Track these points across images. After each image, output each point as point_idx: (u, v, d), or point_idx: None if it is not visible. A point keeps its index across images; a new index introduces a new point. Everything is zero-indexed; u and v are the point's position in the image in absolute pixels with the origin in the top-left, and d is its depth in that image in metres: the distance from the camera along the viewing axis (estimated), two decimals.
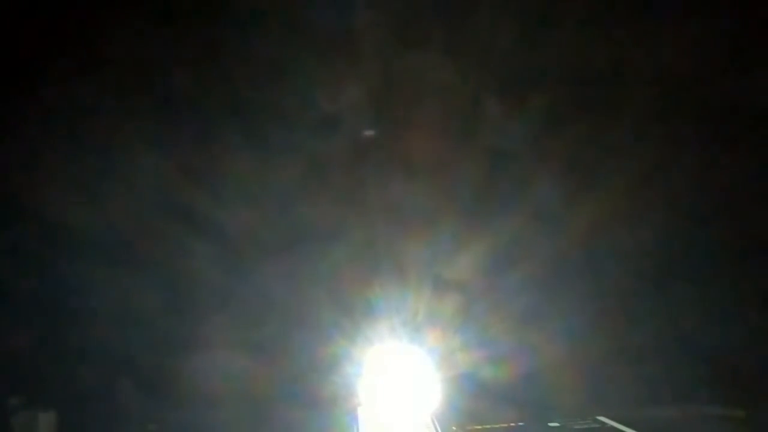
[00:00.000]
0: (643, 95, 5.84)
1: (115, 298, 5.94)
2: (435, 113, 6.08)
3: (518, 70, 5.90)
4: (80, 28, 5.63)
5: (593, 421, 5.85)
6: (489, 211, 6.02)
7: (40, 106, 5.70)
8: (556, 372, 5.95)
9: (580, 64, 5.79)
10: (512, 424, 5.89)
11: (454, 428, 5.76)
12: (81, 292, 5.85)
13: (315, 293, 5.99)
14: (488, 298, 6.08)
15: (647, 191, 6.07)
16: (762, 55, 5.56)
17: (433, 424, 5.60)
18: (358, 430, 5.58)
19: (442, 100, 6.03)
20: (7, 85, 5.65)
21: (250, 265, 6.01)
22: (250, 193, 6.01)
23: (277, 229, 6.02)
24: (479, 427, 5.85)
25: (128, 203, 5.90)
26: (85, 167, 5.81)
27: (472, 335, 6.02)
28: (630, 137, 5.99)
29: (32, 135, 5.76)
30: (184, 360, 5.85)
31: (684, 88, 5.72)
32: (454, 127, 6.09)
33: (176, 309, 6.00)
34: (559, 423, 5.85)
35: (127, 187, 5.89)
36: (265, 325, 5.92)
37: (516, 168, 6.03)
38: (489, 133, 6.06)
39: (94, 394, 5.83)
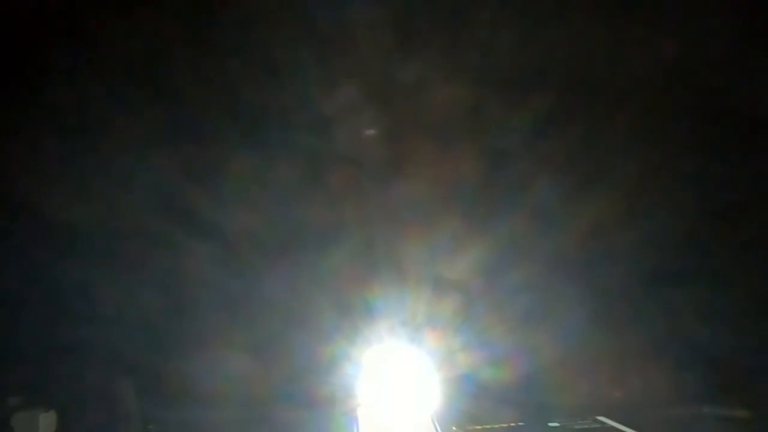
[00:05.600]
0: (643, 95, 5.82)
1: (115, 298, 5.94)
2: (435, 113, 6.07)
3: (518, 69, 5.88)
4: (79, 27, 5.63)
5: (593, 421, 5.84)
6: (489, 211, 6.01)
7: (38, 105, 5.71)
8: (556, 372, 5.94)
9: (579, 64, 5.77)
10: (512, 424, 5.89)
11: (454, 428, 5.76)
12: (81, 292, 5.86)
13: (314, 293, 5.99)
14: (488, 299, 6.07)
15: (648, 191, 6.05)
16: (762, 55, 5.54)
17: (433, 424, 5.60)
18: (357, 430, 5.57)
19: (442, 99, 6.01)
20: (6, 85, 5.66)
21: (249, 265, 6.01)
22: (249, 192, 6.01)
23: (277, 229, 6.02)
24: (479, 427, 5.85)
25: (128, 203, 5.90)
26: (85, 167, 5.82)
27: (472, 336, 6.02)
28: (630, 137, 5.97)
29: (30, 134, 5.77)
30: (184, 360, 5.86)
31: (684, 87, 5.70)
32: (453, 127, 6.08)
33: (176, 309, 6.01)
34: (559, 423, 5.84)
35: (127, 187, 5.89)
36: (264, 326, 5.93)
37: (516, 168, 6.01)
38: (489, 133, 6.05)
39: (94, 394, 5.84)
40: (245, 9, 5.73)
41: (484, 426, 5.86)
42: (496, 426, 5.85)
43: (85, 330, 5.82)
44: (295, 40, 5.81)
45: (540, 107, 5.85)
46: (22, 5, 5.52)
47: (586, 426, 5.77)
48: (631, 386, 6.12)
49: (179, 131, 5.92)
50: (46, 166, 5.79)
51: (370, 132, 6.17)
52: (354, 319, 6.05)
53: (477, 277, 6.13)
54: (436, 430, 5.51)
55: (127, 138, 5.82)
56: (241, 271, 6.00)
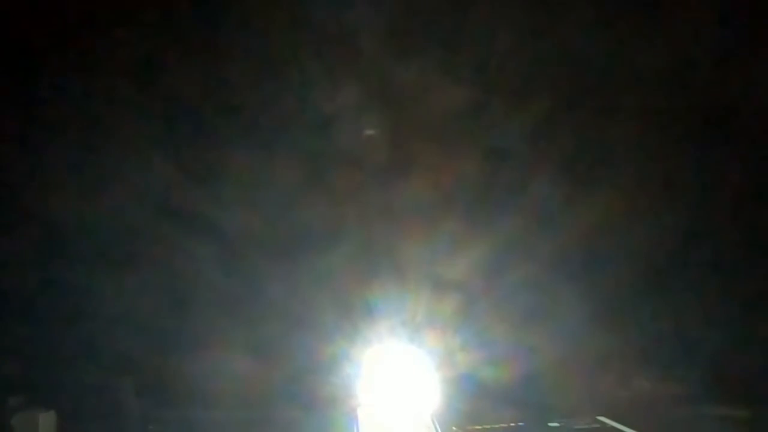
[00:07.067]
0: (644, 95, 5.83)
1: (115, 298, 5.95)
2: (435, 113, 6.07)
3: (518, 69, 5.89)
4: (79, 27, 5.64)
5: (593, 421, 5.83)
6: (489, 211, 6.02)
7: (37, 105, 5.72)
8: (556, 372, 5.94)
9: (579, 64, 5.78)
10: (512, 424, 5.88)
11: (454, 428, 5.75)
12: (81, 292, 5.86)
13: (314, 293, 5.99)
14: (488, 298, 6.06)
15: (648, 191, 6.05)
16: (762, 55, 5.55)
17: (433, 424, 5.59)
18: (357, 430, 5.57)
19: (441, 99, 6.02)
20: (5, 85, 5.66)
21: (249, 265, 6.01)
22: (249, 193, 6.01)
23: (277, 229, 6.02)
24: (479, 427, 5.85)
25: (128, 203, 5.90)
26: (84, 167, 5.83)
27: (471, 335, 6.01)
28: (630, 137, 5.97)
29: (30, 134, 5.77)
30: (184, 360, 5.86)
31: (684, 87, 5.71)
32: (453, 127, 6.08)
33: (176, 309, 6.01)
34: (559, 423, 5.84)
35: (127, 187, 5.89)
36: (264, 325, 5.92)
37: (516, 168, 6.02)
38: (489, 133, 6.05)
39: (94, 394, 5.84)
40: (245, 9, 5.74)
41: (484, 426, 5.85)
42: (496, 426, 5.84)
43: (85, 330, 5.82)
44: (295, 40, 5.82)
45: (540, 107, 5.85)
46: (22, 6, 5.52)
47: (586, 426, 5.76)
48: (630, 386, 6.12)
49: (179, 131, 5.93)
50: (45, 165, 5.80)
51: (371, 132, 6.17)
52: (354, 319, 6.04)
53: (477, 277, 6.12)
54: (436, 430, 5.49)
55: (127, 138, 5.83)
56: (241, 271, 6.00)
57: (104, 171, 5.89)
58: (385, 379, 6.06)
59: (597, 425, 5.75)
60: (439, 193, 6.05)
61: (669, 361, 6.05)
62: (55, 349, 5.77)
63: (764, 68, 5.54)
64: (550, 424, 5.83)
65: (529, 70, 5.87)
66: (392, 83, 5.98)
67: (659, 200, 6.04)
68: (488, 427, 5.84)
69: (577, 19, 5.70)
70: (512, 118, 5.90)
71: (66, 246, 5.88)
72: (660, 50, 5.65)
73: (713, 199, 5.93)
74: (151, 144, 5.86)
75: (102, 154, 5.86)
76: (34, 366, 5.80)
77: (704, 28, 5.55)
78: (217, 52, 5.83)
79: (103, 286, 5.88)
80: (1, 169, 5.81)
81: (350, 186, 6.07)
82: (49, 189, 5.80)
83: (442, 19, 5.92)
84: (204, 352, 5.88)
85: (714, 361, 5.73)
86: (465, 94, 5.97)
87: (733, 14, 5.48)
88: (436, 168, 6.03)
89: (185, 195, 5.89)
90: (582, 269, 6.10)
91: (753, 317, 5.84)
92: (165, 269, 5.95)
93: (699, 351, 5.80)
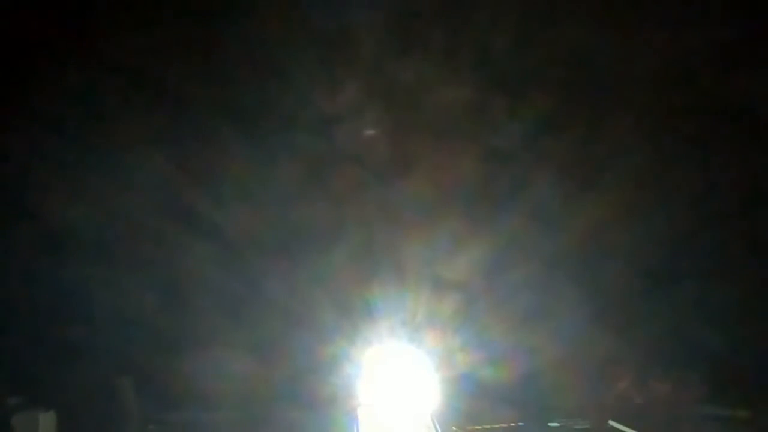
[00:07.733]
0: (643, 95, 5.83)
1: (115, 298, 5.95)
2: (434, 113, 6.07)
3: (518, 69, 5.89)
4: (79, 27, 5.64)
5: (594, 421, 5.84)
6: (488, 211, 6.01)
7: (38, 105, 5.72)
8: (556, 372, 5.94)
9: (580, 64, 5.78)
10: (512, 424, 5.89)
11: (454, 428, 5.76)
12: (81, 291, 5.86)
13: (314, 293, 5.99)
14: (488, 298, 6.06)
15: (647, 191, 6.05)
16: (763, 55, 5.55)
17: (433, 424, 5.59)
18: (357, 430, 5.57)
19: (441, 99, 6.02)
20: (6, 84, 5.67)
21: (249, 265, 6.01)
22: (249, 193, 6.01)
23: (277, 229, 6.03)
24: (479, 427, 5.85)
25: (128, 203, 5.90)
26: (84, 167, 5.83)
27: (471, 335, 6.02)
28: (630, 137, 5.97)
29: (30, 134, 5.77)
30: (184, 360, 5.86)
31: (684, 87, 5.71)
32: (453, 127, 6.09)
33: (176, 309, 6.01)
34: (559, 423, 5.85)
35: (127, 187, 5.89)
36: (264, 325, 5.93)
37: (516, 168, 6.02)
38: (489, 133, 6.05)
39: (94, 394, 5.84)
40: (246, 10, 5.75)
41: (484, 426, 5.86)
42: (496, 426, 5.85)
43: (85, 330, 5.82)
44: (295, 41, 5.83)
45: (540, 107, 5.85)
46: (23, 6, 5.53)
47: (586, 426, 5.77)
48: (631, 386, 6.12)
49: (180, 132, 5.94)
50: (45, 167, 5.80)
51: (370, 132, 6.18)
52: (354, 319, 6.05)
53: (476, 276, 6.12)
54: (436, 430, 5.49)
55: (128, 138, 5.83)
56: (241, 270, 6.00)
57: (105, 171, 5.89)
58: (385, 379, 6.07)
59: (597, 426, 5.77)
60: (440, 193, 6.05)
61: (669, 361, 6.05)
62: (55, 349, 5.76)
63: (765, 68, 5.55)
64: (550, 424, 5.84)
65: (529, 71, 5.87)
66: (392, 83, 5.98)
67: (659, 200, 6.04)
68: (488, 427, 5.85)
69: (578, 19, 5.71)
70: (512, 119, 5.90)
71: (66, 246, 5.88)
72: (660, 51, 5.66)
73: (713, 199, 5.93)
74: (152, 144, 5.86)
75: (102, 154, 5.87)
76: (34, 366, 5.80)
77: (704, 28, 5.56)
78: (217, 51, 5.84)
79: (103, 286, 5.88)
80: (2, 169, 5.82)
81: (351, 186, 6.07)
82: (49, 189, 5.80)
83: (442, 19, 5.93)
84: (204, 352, 5.87)
85: (714, 362, 5.73)
86: (465, 94, 5.97)
87: (734, 15, 5.48)
88: (436, 168, 6.04)
89: (185, 195, 5.89)
90: (582, 269, 6.11)
91: (756, 317, 5.84)
92: (165, 269, 5.96)
93: (699, 351, 5.80)
